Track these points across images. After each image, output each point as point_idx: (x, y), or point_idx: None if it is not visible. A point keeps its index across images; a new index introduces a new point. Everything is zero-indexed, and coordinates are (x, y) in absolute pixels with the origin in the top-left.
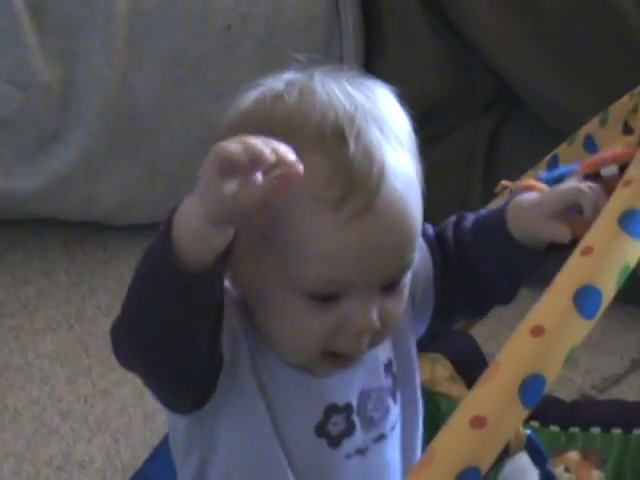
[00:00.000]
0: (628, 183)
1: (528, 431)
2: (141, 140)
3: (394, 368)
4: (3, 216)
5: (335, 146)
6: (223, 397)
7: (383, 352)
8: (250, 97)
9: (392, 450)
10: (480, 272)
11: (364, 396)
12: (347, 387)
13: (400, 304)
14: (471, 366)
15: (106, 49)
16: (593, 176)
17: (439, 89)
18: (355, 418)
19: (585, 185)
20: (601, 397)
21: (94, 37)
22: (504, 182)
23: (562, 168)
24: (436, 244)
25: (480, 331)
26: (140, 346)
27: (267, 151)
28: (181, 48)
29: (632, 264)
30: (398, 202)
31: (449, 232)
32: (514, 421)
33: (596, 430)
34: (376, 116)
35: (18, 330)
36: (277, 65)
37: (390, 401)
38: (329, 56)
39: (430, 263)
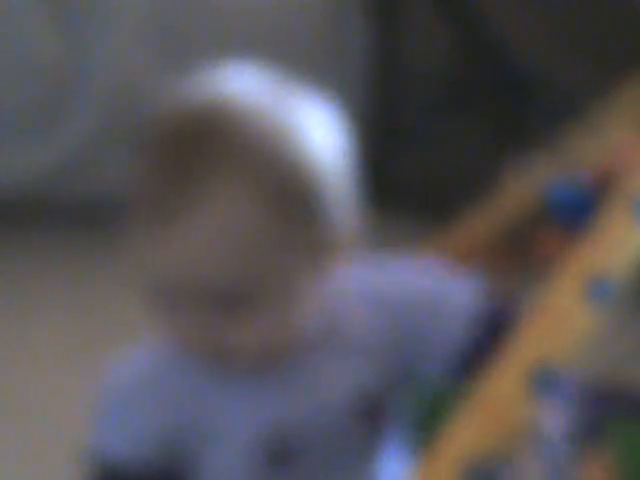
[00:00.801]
0: (636, 172)
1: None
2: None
3: (381, 401)
4: (6, 200)
5: (180, 164)
6: None
7: (354, 375)
8: (183, 98)
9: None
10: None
11: (312, 424)
12: (288, 413)
13: (249, 330)
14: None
15: (113, 31)
16: (605, 181)
17: (451, 74)
18: (299, 449)
19: None
20: (609, 384)
21: (101, 18)
22: (514, 167)
23: (572, 186)
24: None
25: None
26: None
27: None
28: (190, 33)
29: None
30: (205, 238)
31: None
32: (526, 410)
33: (603, 417)
34: (253, 153)
35: (22, 317)
36: (289, 51)
37: (351, 425)
38: (337, 43)
39: (457, 337)
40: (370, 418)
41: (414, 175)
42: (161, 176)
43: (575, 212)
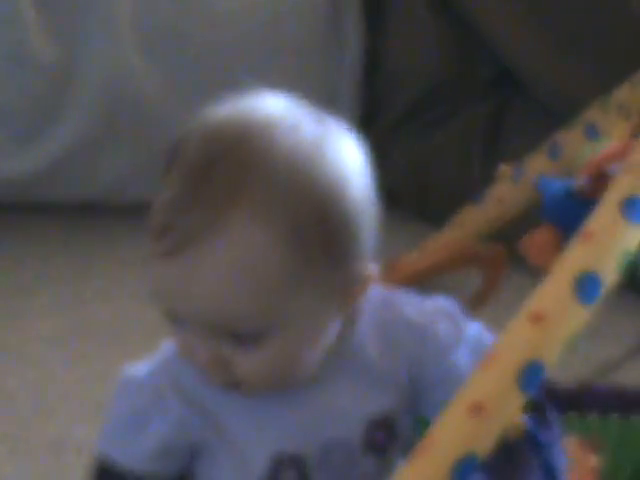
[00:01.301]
0: (629, 170)
1: (526, 418)
2: (141, 123)
3: (395, 426)
4: (3, 200)
5: (189, 183)
6: None
7: (372, 405)
8: (212, 122)
9: None
10: None
11: (327, 448)
12: (302, 435)
13: (256, 365)
14: None
15: (108, 30)
16: (599, 176)
17: (440, 72)
18: (312, 472)
19: None
20: (599, 383)
21: (96, 17)
22: (504, 167)
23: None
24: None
25: (480, 317)
26: None
27: None
28: (184, 32)
29: (632, 250)
30: (212, 267)
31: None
32: (512, 408)
33: (594, 416)
34: (281, 187)
35: (16, 313)
36: (282, 50)
37: (361, 458)
38: (332, 38)
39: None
40: (383, 449)
41: (403, 175)
42: (181, 200)
43: (568, 211)
